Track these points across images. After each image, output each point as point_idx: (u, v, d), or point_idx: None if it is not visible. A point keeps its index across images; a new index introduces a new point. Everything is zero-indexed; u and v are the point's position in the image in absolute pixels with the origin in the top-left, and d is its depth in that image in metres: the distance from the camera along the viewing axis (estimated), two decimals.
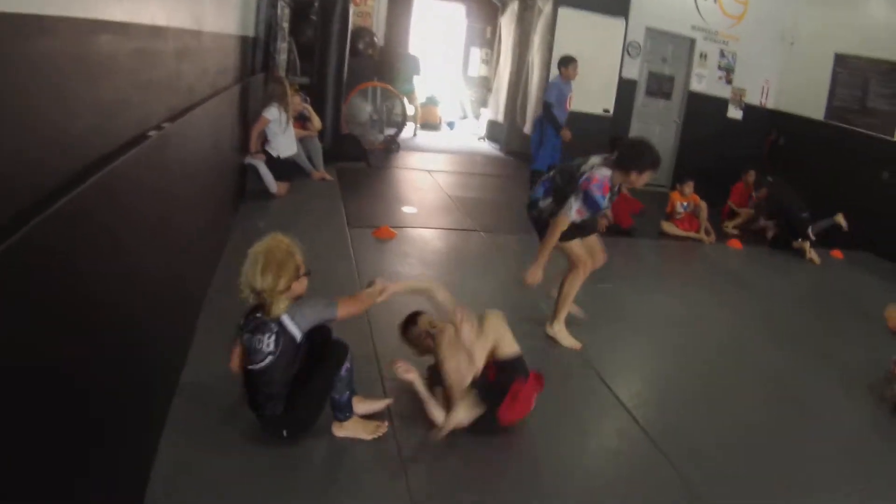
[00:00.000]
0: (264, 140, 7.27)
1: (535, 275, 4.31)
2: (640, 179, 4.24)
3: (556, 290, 4.64)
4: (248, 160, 7.04)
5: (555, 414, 3.66)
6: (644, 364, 4.80)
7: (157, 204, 2.93)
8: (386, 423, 3.32)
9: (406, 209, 7.50)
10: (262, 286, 2.90)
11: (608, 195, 4.20)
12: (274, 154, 7.24)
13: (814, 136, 10.31)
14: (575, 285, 4.50)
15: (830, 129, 10.06)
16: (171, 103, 3.23)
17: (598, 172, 4.17)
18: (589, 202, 4.17)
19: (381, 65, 12.43)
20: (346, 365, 3.13)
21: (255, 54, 7.96)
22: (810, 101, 10.46)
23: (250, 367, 2.99)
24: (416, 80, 12.81)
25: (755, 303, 6.30)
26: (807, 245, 8.10)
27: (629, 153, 4.24)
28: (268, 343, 2.93)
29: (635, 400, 4.02)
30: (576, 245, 4.40)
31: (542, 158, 8.58)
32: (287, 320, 2.93)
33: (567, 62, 8.40)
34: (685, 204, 8.28)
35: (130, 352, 2.49)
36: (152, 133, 2.78)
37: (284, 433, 3.08)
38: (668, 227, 8.22)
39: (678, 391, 4.34)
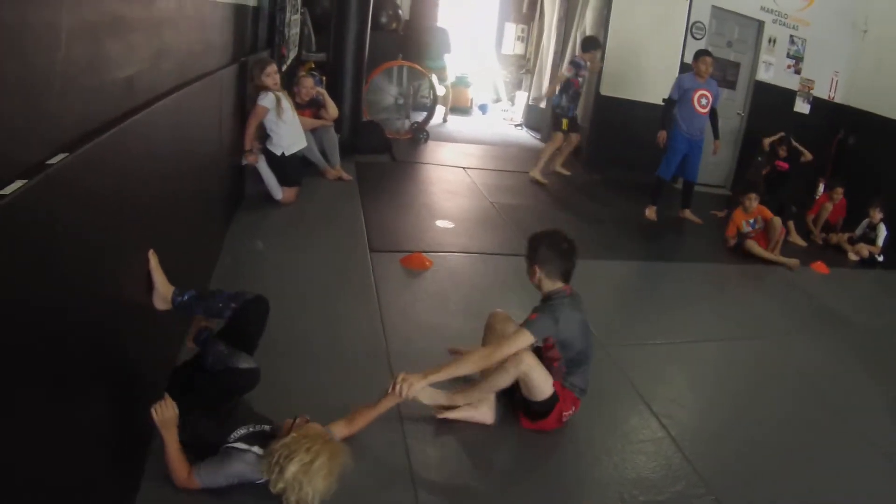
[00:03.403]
0: (264, 134, 5.89)
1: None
2: (592, 58, 8.18)
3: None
4: (245, 161, 5.68)
5: None
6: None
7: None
8: None
9: (441, 223, 6.08)
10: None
11: (573, 70, 8.11)
12: (277, 152, 5.83)
13: (889, 137, 8.80)
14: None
15: None
16: (74, 115, 1.87)
17: None
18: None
19: (406, 41, 10.95)
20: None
21: (257, 28, 6.57)
22: (886, 98, 8.97)
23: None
24: (446, 58, 11.31)
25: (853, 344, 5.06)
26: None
27: (583, 44, 8.23)
28: None
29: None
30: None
31: (666, 164, 7.64)
32: None
33: (696, 56, 7.65)
34: (752, 221, 6.89)
35: None
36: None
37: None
38: (751, 245, 6.76)
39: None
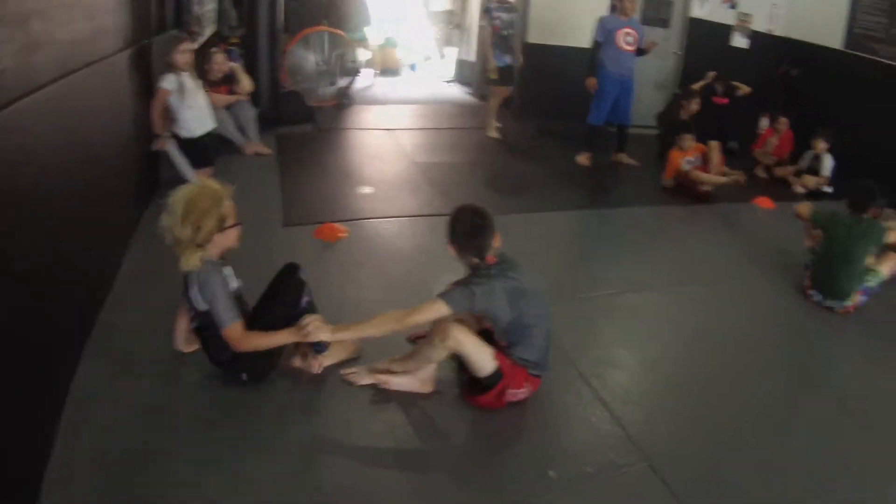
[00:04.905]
0: (173, 117, 5.70)
1: None
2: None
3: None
4: (154, 147, 5.55)
5: None
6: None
7: None
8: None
9: (359, 189, 6.04)
10: (181, 236, 2.80)
11: (486, 18, 8.09)
12: (185, 134, 5.69)
13: (832, 68, 8.60)
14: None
15: (851, 60, 8.42)
16: None
17: None
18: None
19: (329, 7, 10.67)
20: (305, 298, 3.17)
21: (163, 7, 6.33)
22: (826, 28, 8.70)
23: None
24: (366, 30, 11.23)
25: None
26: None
27: None
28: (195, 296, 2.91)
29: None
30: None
31: (596, 110, 7.52)
32: (194, 280, 2.87)
33: None
34: (690, 158, 6.80)
35: None
36: None
37: (244, 377, 3.09)
38: (696, 174, 6.68)
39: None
